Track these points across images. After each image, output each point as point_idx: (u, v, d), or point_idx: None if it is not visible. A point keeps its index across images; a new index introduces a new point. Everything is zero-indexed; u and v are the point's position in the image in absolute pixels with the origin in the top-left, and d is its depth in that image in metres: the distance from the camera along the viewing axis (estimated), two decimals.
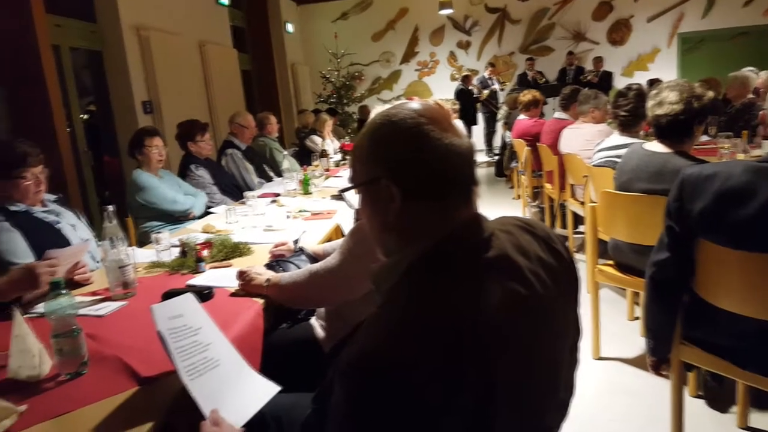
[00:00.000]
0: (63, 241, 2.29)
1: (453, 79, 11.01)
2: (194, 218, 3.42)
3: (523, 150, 5.43)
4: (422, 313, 0.78)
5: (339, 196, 3.40)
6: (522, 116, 5.86)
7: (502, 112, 8.23)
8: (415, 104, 0.92)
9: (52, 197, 2.46)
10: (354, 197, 0.99)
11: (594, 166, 3.25)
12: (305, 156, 5.74)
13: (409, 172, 0.87)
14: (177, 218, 3.40)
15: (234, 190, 4.17)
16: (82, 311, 1.69)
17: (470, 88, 9.82)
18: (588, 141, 3.92)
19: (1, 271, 2.04)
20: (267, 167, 5.02)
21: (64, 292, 1.33)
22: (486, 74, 10.13)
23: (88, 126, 5.15)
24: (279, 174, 5.01)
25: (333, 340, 1.67)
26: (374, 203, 0.91)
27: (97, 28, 5.09)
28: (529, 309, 0.85)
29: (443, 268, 0.84)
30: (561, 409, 0.98)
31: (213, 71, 6.63)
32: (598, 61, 10.12)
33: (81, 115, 5.03)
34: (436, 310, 0.78)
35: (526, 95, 5.79)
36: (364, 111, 9.55)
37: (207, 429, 1.07)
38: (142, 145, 3.38)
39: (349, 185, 0.96)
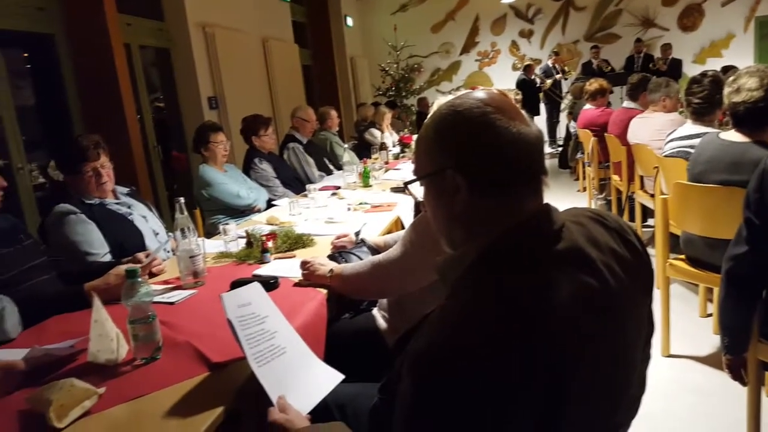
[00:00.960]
0: (135, 232, 2.41)
1: (515, 68, 10.76)
2: (259, 211, 3.52)
3: (589, 141, 5.26)
4: (490, 306, 0.77)
5: (399, 189, 3.41)
6: (588, 106, 5.66)
7: (565, 102, 7.97)
8: (481, 93, 0.90)
9: (125, 189, 2.58)
10: (418, 189, 0.98)
11: (665, 156, 3.11)
12: (364, 149, 5.78)
13: (476, 163, 0.85)
14: (242, 212, 3.51)
15: (295, 183, 4.25)
16: (155, 299, 1.77)
17: (533, 77, 9.58)
18: (658, 131, 3.75)
19: (77, 262, 2.17)
20: (327, 161, 5.09)
21: (140, 280, 1.40)
22: (549, 63, 9.84)
23: (157, 122, 5.38)
24: (339, 167, 5.07)
25: (395, 331, 1.67)
26: (439, 195, 0.90)
27: (165, 27, 5.30)
28: (602, 303, 0.82)
29: (512, 260, 0.82)
30: (632, 406, 0.95)
31: (275, 67, 6.78)
32: (667, 48, 9.60)
33: (150, 112, 5.27)
34: (505, 304, 0.76)
35: (593, 84, 5.58)
36: (423, 103, 9.50)
37: (275, 415, 1.10)
38: (207, 141, 3.49)
39: (414, 177, 0.95)
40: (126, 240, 2.33)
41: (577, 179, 6.76)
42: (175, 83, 5.45)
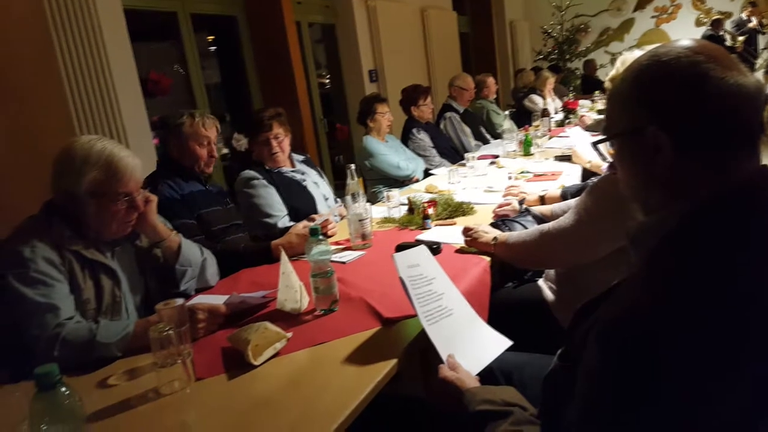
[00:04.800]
0: (307, 197, 2.63)
1: (699, 24, 9.49)
2: (417, 181, 3.58)
3: None
4: (695, 279, 0.69)
5: (565, 157, 3.24)
6: None
7: (761, 60, 6.85)
8: (688, 41, 0.80)
9: (301, 157, 2.80)
10: (607, 149, 0.91)
11: None
12: (523, 117, 5.55)
13: (683, 119, 0.76)
14: (401, 182, 3.60)
15: (452, 152, 4.25)
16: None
17: (721, 34, 8.36)
18: None
19: (259, 223, 2.41)
20: (484, 129, 5.00)
21: (321, 238, 1.51)
22: (743, 16, 8.50)
23: (323, 96, 5.70)
24: (495, 136, 4.95)
25: (564, 303, 1.61)
26: (636, 155, 0.82)
27: (331, 3, 5.54)
28: None
29: (724, 229, 0.72)
30: None
31: (433, 36, 6.77)
32: None
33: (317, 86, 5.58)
34: (714, 276, 0.68)
35: None
36: (590, 66, 8.84)
37: (445, 372, 1.12)
38: (374, 112, 3.62)
39: (604, 136, 0.88)
40: (299, 204, 2.55)
41: None
42: (339, 58, 5.70)
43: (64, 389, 0.83)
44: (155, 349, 1.18)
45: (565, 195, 2.21)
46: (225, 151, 4.41)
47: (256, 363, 1.26)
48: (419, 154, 3.97)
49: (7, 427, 0.94)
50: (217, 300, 1.56)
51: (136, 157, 1.60)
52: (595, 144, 0.92)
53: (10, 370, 1.48)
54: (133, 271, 1.67)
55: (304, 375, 1.25)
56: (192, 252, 1.77)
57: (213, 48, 4.89)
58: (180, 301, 1.33)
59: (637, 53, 1.08)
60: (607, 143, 0.90)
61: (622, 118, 0.83)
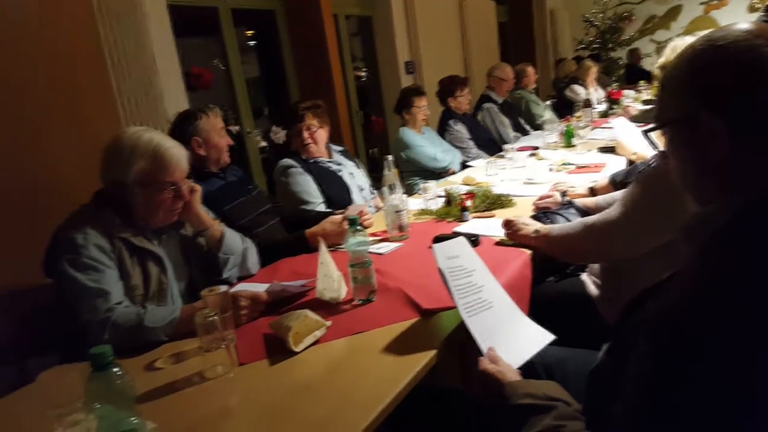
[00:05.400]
0: (343, 187, 2.66)
1: (752, 10, 9.06)
2: (453, 173, 3.55)
3: None
4: (752, 270, 0.67)
5: (608, 148, 3.16)
6: None
7: None
8: (746, 24, 0.77)
9: (338, 149, 2.82)
10: (658, 138, 0.88)
11: None
12: (563, 107, 5.43)
13: (741, 106, 0.73)
14: (438, 174, 3.58)
15: (489, 144, 4.19)
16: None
17: None
18: None
19: (296, 209, 2.45)
20: (523, 120, 4.91)
21: (359, 229, 1.52)
22: None
23: (359, 88, 5.70)
24: (535, 127, 4.86)
25: (609, 299, 1.57)
26: (689, 143, 0.79)
27: None
28: None
29: None
30: None
31: (470, 26, 6.68)
32: None
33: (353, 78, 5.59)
34: (763, 270, 0.66)
35: None
36: (635, 55, 8.57)
37: (485, 364, 1.11)
38: (410, 105, 3.61)
39: (656, 124, 0.85)
40: (334, 193, 2.58)
41: None
42: (375, 50, 5.70)
43: (116, 369, 0.86)
44: (201, 334, 1.22)
45: (614, 181, 2.15)
46: (263, 144, 4.48)
47: (296, 350, 1.28)
48: (456, 146, 3.94)
49: (64, 404, 0.98)
50: (259, 288, 1.59)
51: (181, 148, 1.65)
52: (646, 132, 0.89)
53: (63, 352, 1.55)
54: (178, 259, 1.72)
55: (342, 363, 1.26)
56: (234, 241, 1.81)
57: (252, 42, 4.95)
58: (224, 288, 1.37)
59: (689, 39, 1.04)
60: (658, 132, 0.87)
61: (675, 106, 0.81)
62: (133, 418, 0.83)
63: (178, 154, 1.61)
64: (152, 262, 1.59)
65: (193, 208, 1.71)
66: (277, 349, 1.31)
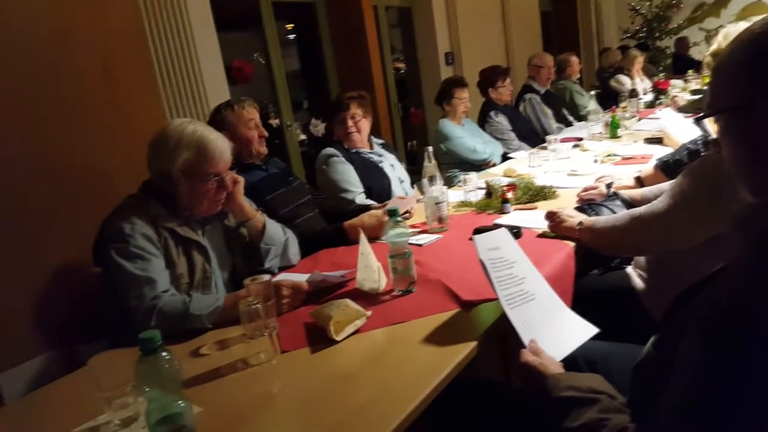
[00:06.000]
0: (383, 178, 2.67)
1: None
2: (494, 166, 3.50)
3: None
4: None
5: (655, 139, 3.06)
6: None
7: None
8: None
9: (379, 141, 2.83)
10: (710, 126, 0.84)
11: None
12: (607, 98, 5.27)
13: None
14: (478, 166, 3.54)
15: (532, 135, 4.12)
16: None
17: None
18: None
19: (336, 199, 2.46)
20: (566, 111, 4.80)
21: (399, 220, 1.52)
22: None
23: (398, 80, 5.68)
24: (579, 118, 4.74)
25: (656, 292, 1.52)
26: (744, 131, 0.76)
27: None
28: None
29: None
30: None
31: (512, 16, 6.56)
32: None
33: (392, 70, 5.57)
34: None
35: None
36: (683, 44, 8.24)
37: (528, 356, 1.09)
38: (451, 96, 3.58)
39: (709, 111, 0.82)
40: (374, 184, 2.60)
41: None
42: (414, 41, 5.66)
43: (164, 354, 0.89)
44: (244, 322, 1.24)
45: (665, 164, 2.08)
46: (302, 137, 4.53)
47: (337, 339, 1.29)
48: (497, 138, 3.88)
49: (114, 387, 1.02)
50: (300, 278, 1.61)
51: (225, 139, 1.68)
52: (698, 120, 0.85)
53: (110, 339, 1.61)
54: (221, 249, 1.75)
55: (383, 353, 1.26)
56: (275, 231, 1.83)
57: (292, 36, 4.99)
58: (266, 277, 1.38)
59: (743, 25, 0.99)
60: (710, 119, 0.84)
61: (730, 92, 0.77)
62: (180, 402, 0.86)
63: (221, 145, 1.64)
64: (197, 251, 1.63)
65: (236, 198, 1.74)
66: (318, 337, 1.32)
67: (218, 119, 2.12)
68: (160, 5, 2.70)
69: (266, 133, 2.22)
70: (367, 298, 1.51)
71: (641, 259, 1.64)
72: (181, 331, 1.43)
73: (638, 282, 1.61)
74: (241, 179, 1.75)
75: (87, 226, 1.63)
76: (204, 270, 1.62)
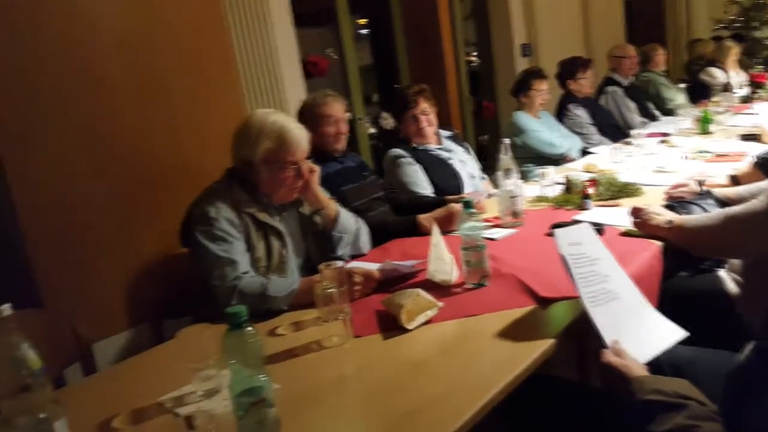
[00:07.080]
0: (453, 176, 2.61)
1: None
2: (572, 161, 3.38)
3: None
4: None
5: (750, 136, 2.84)
6: None
7: None
8: None
9: (448, 133, 2.79)
10: None
11: None
12: (696, 92, 4.94)
13: None
14: (554, 161, 3.42)
15: (613, 130, 3.93)
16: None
17: None
18: None
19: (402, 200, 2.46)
20: (652, 105, 4.55)
21: (473, 212, 1.50)
22: None
23: (471, 73, 5.58)
24: (665, 112, 4.48)
25: (752, 298, 1.41)
26: None
27: None
28: None
29: None
30: None
31: (593, 6, 6.29)
32: None
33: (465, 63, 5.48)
34: None
35: None
36: None
37: (610, 357, 1.05)
38: (528, 88, 3.46)
39: None
40: (444, 182, 2.55)
41: None
42: (489, 32, 5.54)
43: (249, 329, 0.92)
44: (319, 305, 1.27)
45: (761, 164, 1.93)
46: (372, 130, 4.56)
47: (409, 327, 1.30)
48: (575, 132, 3.73)
49: (200, 360, 1.07)
50: (371, 266, 1.63)
51: (303, 129, 1.72)
52: None
53: (194, 315, 1.69)
54: (296, 235, 1.80)
55: (455, 344, 1.26)
56: (348, 221, 1.86)
57: (365, 31, 5.04)
58: (340, 263, 1.41)
59: None
60: None
61: None
62: (262, 376, 0.89)
63: (299, 135, 1.69)
64: (274, 236, 1.68)
65: (311, 187, 1.78)
66: (390, 325, 1.33)
67: (303, 110, 2.20)
68: (244, 2, 2.80)
69: (345, 131, 2.26)
70: (438, 289, 1.50)
71: (737, 262, 1.53)
72: (259, 312, 1.47)
73: (732, 287, 1.50)
74: (317, 168, 1.79)
75: (172, 212, 1.72)
76: (280, 254, 1.67)
